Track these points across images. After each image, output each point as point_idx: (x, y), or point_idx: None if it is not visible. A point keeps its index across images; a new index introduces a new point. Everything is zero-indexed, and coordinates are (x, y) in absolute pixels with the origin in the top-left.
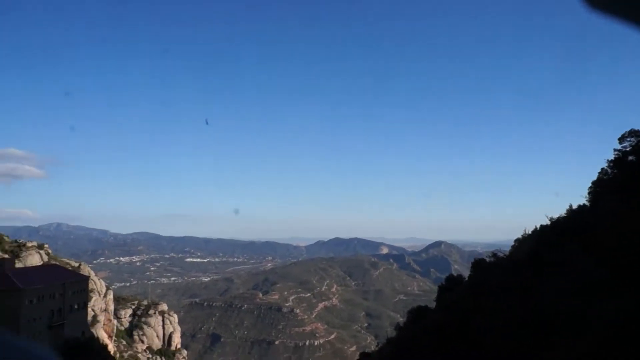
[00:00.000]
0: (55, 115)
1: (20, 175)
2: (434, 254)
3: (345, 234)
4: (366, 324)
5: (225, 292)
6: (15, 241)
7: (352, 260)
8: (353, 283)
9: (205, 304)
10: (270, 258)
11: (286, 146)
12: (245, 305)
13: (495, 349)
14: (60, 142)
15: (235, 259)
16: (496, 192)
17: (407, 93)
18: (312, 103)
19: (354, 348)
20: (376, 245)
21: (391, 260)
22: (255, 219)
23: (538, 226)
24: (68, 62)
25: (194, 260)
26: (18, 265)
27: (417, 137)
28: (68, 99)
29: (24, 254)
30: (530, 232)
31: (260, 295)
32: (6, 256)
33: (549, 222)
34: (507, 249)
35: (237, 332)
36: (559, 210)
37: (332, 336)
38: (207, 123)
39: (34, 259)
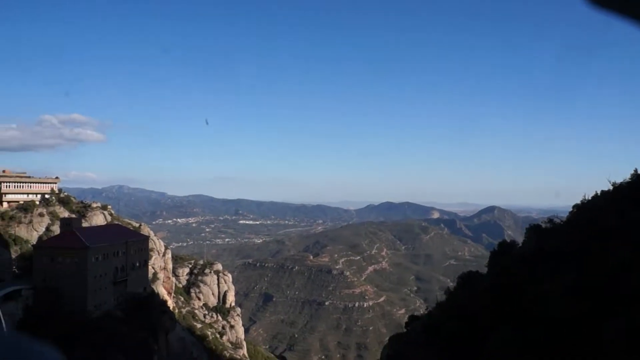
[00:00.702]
0: (115, 82)
1: (84, 140)
2: (487, 219)
3: (396, 199)
4: (415, 288)
5: (276, 254)
6: (81, 202)
7: (402, 224)
8: (403, 247)
9: (257, 264)
10: (320, 221)
11: (338, 111)
12: (296, 267)
13: (551, 316)
14: (120, 108)
15: (287, 222)
16: (554, 157)
17: (457, 57)
18: (361, 71)
19: (402, 311)
20: (427, 209)
21: (442, 225)
22: (306, 183)
23: (599, 192)
24: (132, 28)
25: (247, 222)
26: (84, 224)
27: (471, 100)
28: (127, 66)
29: (89, 214)
30: (590, 198)
31: (311, 257)
32: (74, 216)
33: (611, 188)
34: (565, 215)
35: (288, 292)
36: (622, 175)
37: (381, 299)
38: (207, 123)
39: (98, 219)
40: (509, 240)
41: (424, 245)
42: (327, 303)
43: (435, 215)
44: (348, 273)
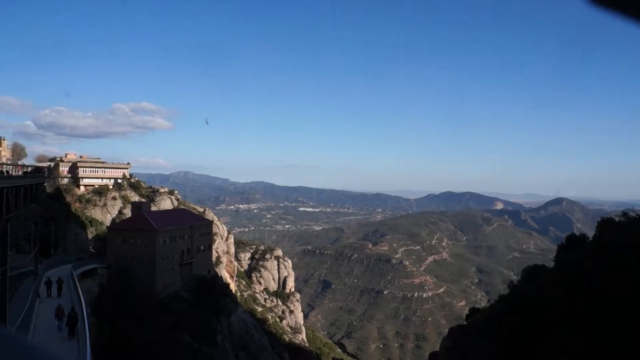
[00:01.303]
0: (180, 71)
1: (153, 127)
2: (554, 212)
3: (457, 188)
4: (477, 280)
5: (336, 241)
6: (150, 187)
7: (464, 214)
8: (464, 238)
9: (317, 251)
10: (380, 210)
11: (398, 99)
12: (355, 255)
13: (622, 314)
14: (187, 97)
15: (346, 210)
16: (629, 146)
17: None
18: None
19: (463, 303)
20: (490, 200)
21: (506, 217)
22: (366, 171)
23: None
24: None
25: (307, 209)
26: (153, 208)
27: (537, 86)
28: (193, 54)
29: (157, 198)
30: None
31: (370, 245)
32: (143, 200)
33: None
34: None
35: (347, 280)
36: None
37: (441, 290)
38: (207, 123)
39: (166, 204)
40: (578, 234)
41: (486, 236)
42: (385, 292)
43: (499, 206)
44: (407, 262)
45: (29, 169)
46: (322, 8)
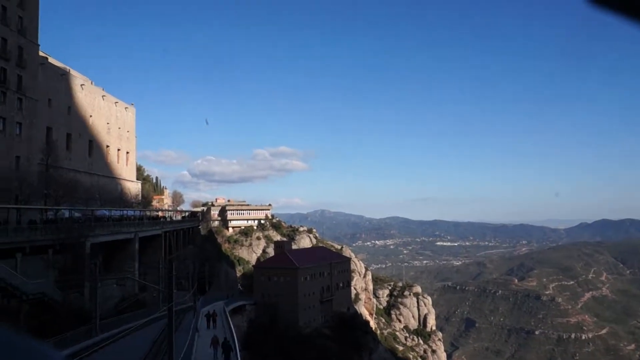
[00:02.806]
0: (314, 115)
1: (291, 169)
2: None
3: (614, 215)
4: None
5: (477, 277)
6: (290, 226)
7: (625, 244)
8: (628, 271)
9: (457, 287)
10: (524, 242)
11: (537, 120)
12: (500, 291)
13: None
14: (319, 139)
15: (487, 243)
16: None
17: None
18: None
19: (632, 346)
20: None
21: None
22: (506, 201)
23: None
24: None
25: (445, 243)
26: (293, 246)
27: None
28: (322, 104)
29: (297, 237)
30: None
31: (516, 281)
32: (285, 239)
33: None
34: None
35: (492, 318)
36: None
37: (604, 331)
38: (207, 123)
39: (305, 242)
40: None
41: None
42: (537, 332)
43: None
44: (560, 300)
45: (186, 213)
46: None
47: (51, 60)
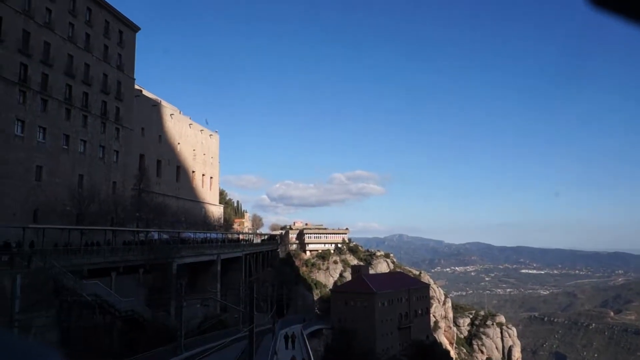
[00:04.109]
0: (391, 139)
1: (367, 193)
2: None
3: None
4: None
5: (567, 308)
6: (367, 251)
7: None
8: None
9: (545, 318)
10: (620, 272)
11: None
12: (594, 324)
13: None
14: (396, 162)
15: (577, 272)
16: None
17: None
18: None
19: None
20: None
21: None
22: (599, 227)
23: None
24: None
25: (530, 271)
26: (370, 271)
27: None
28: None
29: (374, 261)
30: None
31: (612, 314)
32: (362, 263)
33: None
34: None
35: (584, 353)
36: None
37: None
38: (207, 123)
39: (382, 266)
40: None
41: None
42: None
43: None
44: None
45: (265, 236)
46: None
47: (145, 92)
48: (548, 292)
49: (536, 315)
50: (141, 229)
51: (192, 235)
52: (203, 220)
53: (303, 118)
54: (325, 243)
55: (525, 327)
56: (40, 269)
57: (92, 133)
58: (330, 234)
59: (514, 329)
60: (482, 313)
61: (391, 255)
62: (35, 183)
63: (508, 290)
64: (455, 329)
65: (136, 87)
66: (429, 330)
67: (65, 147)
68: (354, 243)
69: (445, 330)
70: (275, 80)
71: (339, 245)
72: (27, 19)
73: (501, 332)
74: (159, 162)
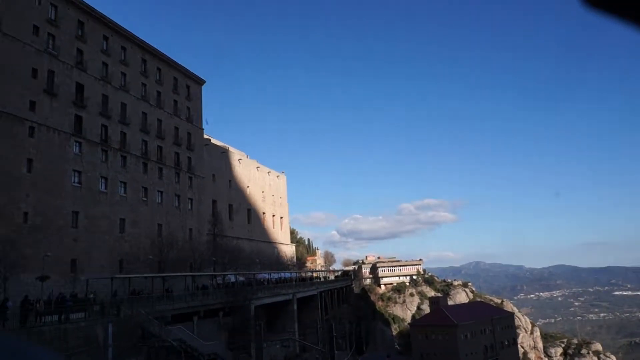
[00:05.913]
0: (457, 164)
1: (438, 222)
2: None
3: None
4: None
5: None
6: (444, 280)
7: None
8: None
9: None
10: None
11: None
12: None
13: None
14: (466, 188)
15: None
16: None
17: None
18: None
19: None
20: None
21: None
22: None
23: None
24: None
25: (624, 293)
26: (449, 302)
27: None
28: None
29: (452, 291)
30: None
31: None
32: (439, 294)
33: None
34: None
35: None
36: None
37: None
38: (207, 123)
39: (461, 296)
40: None
41: None
42: None
43: None
44: None
45: (339, 272)
46: None
47: (213, 140)
48: None
49: (637, 341)
50: (218, 273)
51: (267, 276)
52: (276, 260)
53: (364, 151)
54: (399, 275)
55: (626, 355)
56: (129, 316)
57: (168, 184)
58: (403, 265)
59: (614, 357)
60: (575, 341)
61: (469, 284)
62: (120, 235)
63: (602, 315)
64: (546, 359)
65: (205, 136)
66: None
67: (145, 199)
68: (429, 274)
69: None
70: (328, 113)
71: (414, 277)
72: (105, 84)
73: None
74: (230, 206)
